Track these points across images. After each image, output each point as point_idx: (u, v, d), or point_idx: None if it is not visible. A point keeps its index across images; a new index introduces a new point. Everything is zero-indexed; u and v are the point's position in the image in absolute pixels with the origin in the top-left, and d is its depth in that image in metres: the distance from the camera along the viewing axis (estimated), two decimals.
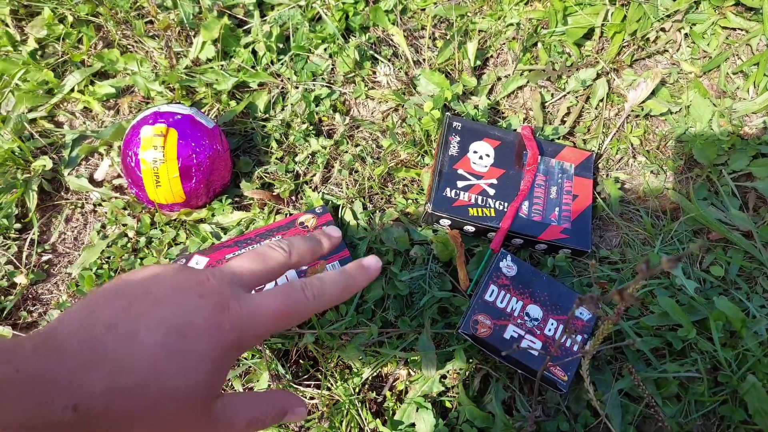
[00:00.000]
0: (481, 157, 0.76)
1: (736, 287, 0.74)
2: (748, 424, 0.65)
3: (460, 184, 0.74)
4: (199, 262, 0.70)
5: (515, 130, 0.81)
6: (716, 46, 0.89)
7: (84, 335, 0.30)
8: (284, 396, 0.41)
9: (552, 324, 0.67)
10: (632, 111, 0.84)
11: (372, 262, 0.47)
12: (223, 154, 0.74)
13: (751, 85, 0.85)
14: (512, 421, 0.65)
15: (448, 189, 0.73)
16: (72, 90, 0.86)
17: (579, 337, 0.67)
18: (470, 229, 0.73)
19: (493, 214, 0.72)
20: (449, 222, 0.73)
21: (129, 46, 0.88)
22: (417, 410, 0.66)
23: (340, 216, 0.76)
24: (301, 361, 0.70)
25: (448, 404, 0.68)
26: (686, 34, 0.90)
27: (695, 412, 0.66)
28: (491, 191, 0.74)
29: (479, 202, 0.73)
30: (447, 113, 0.77)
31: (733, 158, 0.80)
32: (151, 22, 0.89)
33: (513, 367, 0.65)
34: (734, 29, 0.90)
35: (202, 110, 0.82)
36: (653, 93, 0.84)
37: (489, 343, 0.65)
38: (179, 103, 0.80)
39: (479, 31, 0.90)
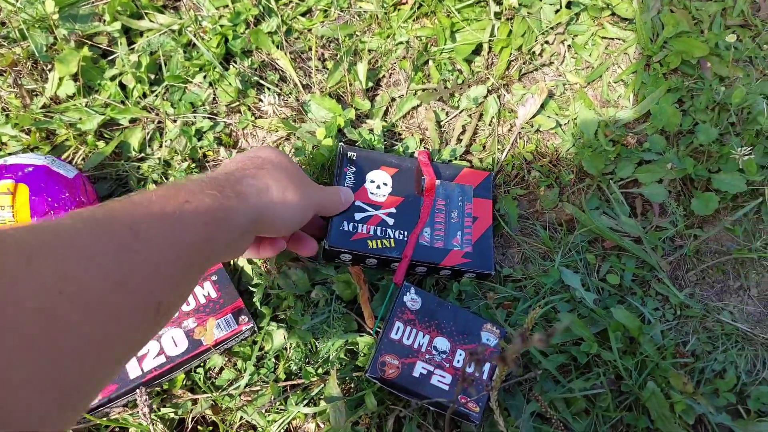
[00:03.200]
0: (378, 186, 0.73)
1: (632, 293, 0.77)
2: (651, 431, 0.68)
3: (358, 216, 0.70)
4: None
5: (413, 154, 0.79)
6: (597, 56, 0.91)
7: (244, 179, 0.49)
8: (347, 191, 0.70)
9: (460, 355, 0.66)
10: (523, 127, 0.84)
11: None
12: (88, 205, 0.66)
13: (631, 93, 0.89)
14: None
15: (345, 222, 0.69)
16: None
17: (488, 365, 0.66)
18: (372, 261, 0.70)
19: (393, 245, 0.70)
20: (349, 257, 0.69)
21: None
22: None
23: (231, 261, 0.71)
24: (199, 427, 0.64)
25: None
26: (569, 46, 0.92)
27: (603, 425, 0.68)
28: (390, 221, 0.71)
29: (378, 233, 0.70)
30: (340, 143, 0.74)
31: (619, 167, 0.82)
32: None
33: (425, 404, 0.63)
34: (612, 39, 0.93)
35: (65, 155, 0.73)
36: (542, 107, 0.85)
37: (398, 384, 0.62)
38: (33, 151, 0.71)
39: (369, 50, 0.87)
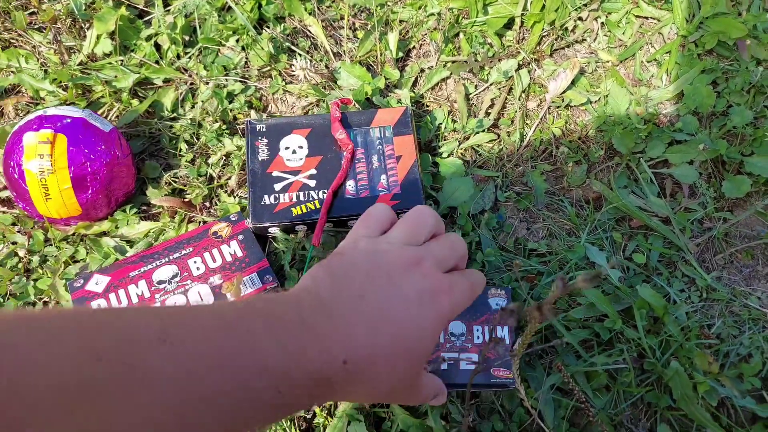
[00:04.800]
0: (294, 152, 0.72)
1: (658, 273, 0.76)
2: (673, 410, 0.67)
3: (278, 186, 0.70)
4: (99, 281, 0.63)
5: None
6: (631, 34, 0.90)
7: (341, 300, 0.35)
8: (441, 382, 0.51)
9: (478, 330, 0.66)
10: (553, 102, 0.84)
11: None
12: (123, 160, 0.67)
13: (664, 72, 0.87)
14: (448, 427, 0.64)
15: (266, 196, 0.69)
16: None
17: (505, 329, 0.66)
18: (303, 227, 0.70)
19: (318, 206, 0.69)
20: (276, 230, 0.69)
21: (12, 41, 0.79)
22: (349, 423, 0.63)
23: None
24: None
25: (382, 414, 0.65)
26: (603, 23, 0.90)
27: (624, 402, 0.67)
28: (312, 182, 0.70)
29: (301, 198, 0.69)
30: (247, 119, 0.73)
31: (650, 146, 0.81)
32: (35, 13, 0.79)
33: (462, 389, 0.63)
34: (647, 18, 0.91)
35: (100, 111, 0.74)
36: (573, 83, 0.85)
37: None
38: (72, 104, 0.72)
39: (400, 21, 0.87)
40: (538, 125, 0.83)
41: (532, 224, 0.79)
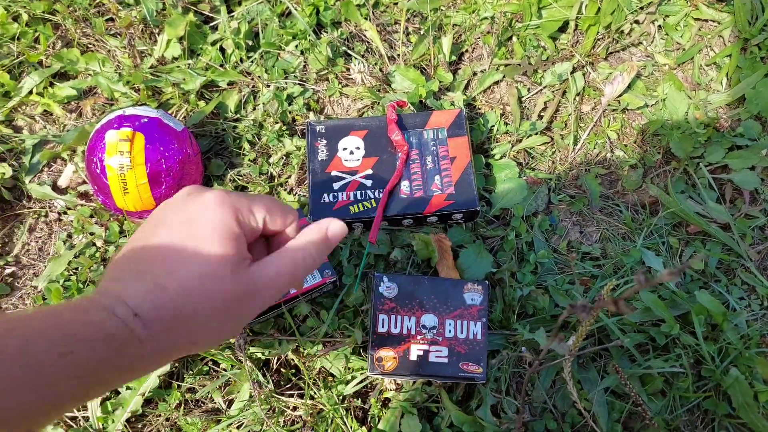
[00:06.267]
0: (351, 152, 0.74)
1: (716, 280, 0.75)
2: (732, 418, 0.66)
3: (336, 185, 0.72)
4: None
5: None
6: (689, 38, 0.89)
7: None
8: (317, 223, 0.40)
9: (450, 324, 0.66)
10: (609, 105, 0.83)
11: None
12: (193, 158, 0.71)
13: (724, 76, 0.85)
14: (500, 423, 0.64)
15: (324, 195, 0.72)
16: (30, 92, 0.81)
17: (479, 324, 0.66)
18: (359, 225, 0.72)
19: (374, 205, 0.71)
20: None
21: (89, 45, 0.84)
22: (402, 416, 0.65)
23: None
24: (282, 369, 0.68)
25: (434, 409, 0.66)
26: (660, 26, 0.89)
27: (680, 408, 0.66)
28: (368, 182, 0.73)
29: (358, 197, 0.72)
30: (307, 120, 0.76)
31: (709, 151, 0.80)
32: (112, 19, 0.85)
33: (431, 378, 0.65)
34: (706, 21, 0.90)
35: (170, 111, 0.79)
36: (629, 86, 0.84)
37: (400, 374, 0.64)
38: (145, 105, 0.77)
39: (453, 25, 0.88)
40: (592, 128, 0.82)
41: (586, 227, 0.78)
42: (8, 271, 0.74)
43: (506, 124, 0.82)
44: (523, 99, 0.85)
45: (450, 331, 0.66)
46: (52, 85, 0.82)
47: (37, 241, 0.76)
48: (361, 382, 0.67)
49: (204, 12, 0.85)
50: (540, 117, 0.83)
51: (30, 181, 0.77)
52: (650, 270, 0.74)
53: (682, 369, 0.67)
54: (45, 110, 0.81)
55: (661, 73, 0.87)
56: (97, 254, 0.72)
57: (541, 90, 0.85)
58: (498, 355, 0.68)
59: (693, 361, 0.68)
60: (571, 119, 0.83)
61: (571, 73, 0.84)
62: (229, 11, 0.86)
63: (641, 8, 0.88)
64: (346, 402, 0.67)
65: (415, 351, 0.64)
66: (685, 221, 0.78)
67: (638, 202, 0.79)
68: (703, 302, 0.69)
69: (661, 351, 0.70)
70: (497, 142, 0.81)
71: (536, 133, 0.81)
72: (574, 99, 0.84)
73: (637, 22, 0.89)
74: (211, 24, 0.85)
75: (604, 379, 0.67)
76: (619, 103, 0.83)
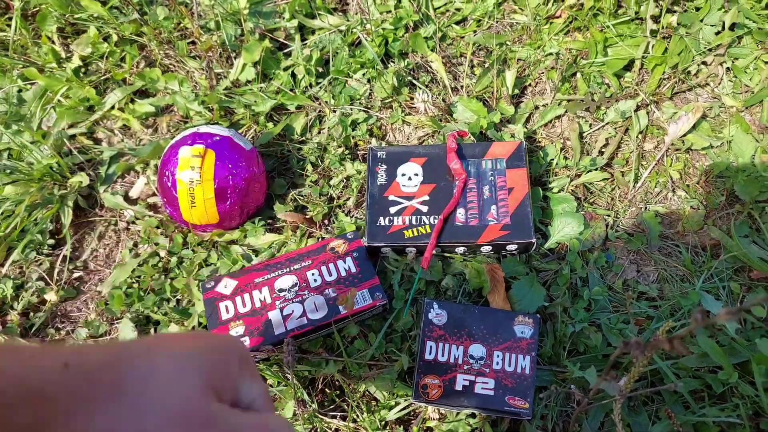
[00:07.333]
0: (410, 178, 0.76)
1: None
2: None
3: (393, 209, 0.74)
4: (228, 285, 0.70)
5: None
6: (759, 81, 0.87)
7: None
8: None
9: (498, 356, 0.66)
10: (672, 144, 0.82)
11: None
12: (259, 177, 0.74)
13: None
14: None
15: (381, 218, 0.73)
16: (112, 107, 0.87)
17: (528, 358, 0.65)
18: (412, 250, 0.73)
19: (429, 230, 0.72)
20: (389, 249, 0.73)
21: (170, 66, 0.90)
22: None
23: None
24: (327, 390, 0.69)
25: None
26: (728, 68, 0.88)
27: None
28: (424, 208, 0.74)
29: (414, 222, 0.73)
30: (369, 146, 0.79)
31: None
32: (194, 42, 0.90)
33: (476, 410, 0.64)
34: None
35: (240, 131, 0.83)
36: (694, 127, 0.83)
37: (444, 402, 0.64)
38: (218, 124, 0.81)
39: (518, 59, 0.90)
40: (654, 167, 0.82)
41: (643, 267, 0.77)
42: (76, 275, 0.79)
43: (566, 158, 0.83)
44: (584, 134, 0.85)
45: (498, 363, 0.66)
46: (132, 101, 0.88)
47: (105, 248, 0.81)
48: (404, 408, 0.68)
49: (279, 39, 0.90)
50: (601, 153, 0.83)
51: (104, 191, 0.83)
52: (708, 314, 0.72)
53: (740, 420, 0.64)
54: (124, 124, 0.87)
55: (728, 114, 0.86)
56: (160, 264, 0.76)
57: (603, 126, 0.85)
58: (545, 391, 0.67)
59: (752, 413, 0.66)
60: (633, 156, 0.82)
61: (635, 111, 0.84)
62: (303, 39, 0.90)
63: (709, 50, 0.88)
64: (387, 428, 0.67)
65: (461, 381, 0.65)
66: (748, 266, 0.75)
67: (699, 244, 0.78)
68: (764, 351, 0.67)
69: (717, 399, 0.68)
70: (556, 175, 0.82)
71: (596, 169, 0.81)
72: (637, 137, 0.83)
73: (704, 63, 0.88)
74: (285, 50, 0.90)
75: (656, 425, 0.66)
76: (683, 143, 0.82)
